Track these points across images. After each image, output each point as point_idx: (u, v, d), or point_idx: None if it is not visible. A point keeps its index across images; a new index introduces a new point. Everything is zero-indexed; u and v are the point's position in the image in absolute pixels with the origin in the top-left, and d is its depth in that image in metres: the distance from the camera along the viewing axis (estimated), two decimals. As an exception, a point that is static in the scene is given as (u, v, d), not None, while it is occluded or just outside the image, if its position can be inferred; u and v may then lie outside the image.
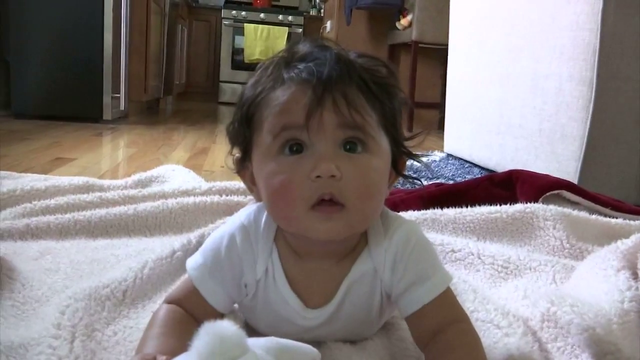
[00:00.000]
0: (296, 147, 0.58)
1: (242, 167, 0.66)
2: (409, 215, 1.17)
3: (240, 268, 0.64)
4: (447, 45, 2.76)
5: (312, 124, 0.56)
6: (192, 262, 0.67)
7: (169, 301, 0.67)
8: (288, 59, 0.60)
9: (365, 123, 0.58)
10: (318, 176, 0.56)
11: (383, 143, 0.61)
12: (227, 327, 0.45)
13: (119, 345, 0.68)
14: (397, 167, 0.65)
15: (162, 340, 0.61)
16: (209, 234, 0.89)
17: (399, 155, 0.65)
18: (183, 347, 0.52)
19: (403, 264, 0.63)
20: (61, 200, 1.19)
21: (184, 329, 0.61)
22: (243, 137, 0.63)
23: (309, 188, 0.56)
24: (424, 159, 2.31)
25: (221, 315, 0.67)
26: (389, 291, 0.65)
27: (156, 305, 0.74)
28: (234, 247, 0.64)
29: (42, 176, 1.60)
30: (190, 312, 0.65)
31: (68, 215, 1.11)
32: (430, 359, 0.61)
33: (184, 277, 0.69)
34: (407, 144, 0.66)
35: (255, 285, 0.65)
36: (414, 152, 0.67)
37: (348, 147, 0.58)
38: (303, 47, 0.61)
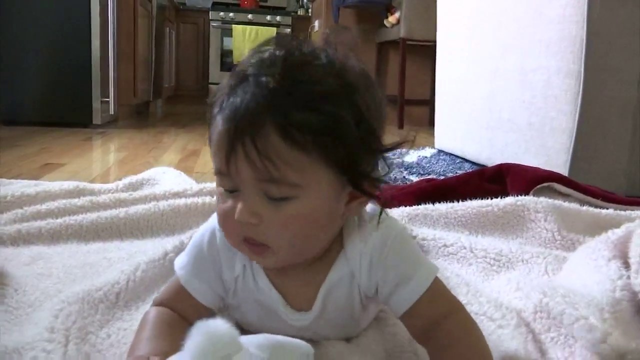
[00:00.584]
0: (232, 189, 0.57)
1: None
2: (401, 211, 1.17)
3: (220, 264, 0.65)
4: (435, 41, 2.77)
5: (231, 173, 0.55)
6: (179, 261, 0.67)
7: (157, 303, 0.67)
8: (231, 80, 0.56)
9: (283, 175, 0.53)
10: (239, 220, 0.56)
11: (321, 182, 0.55)
12: (219, 325, 0.45)
13: (113, 348, 0.68)
14: (363, 188, 0.58)
15: (153, 342, 0.61)
16: (200, 235, 0.89)
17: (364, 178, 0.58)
18: (174, 348, 0.52)
19: (381, 268, 0.62)
20: (52, 205, 1.19)
21: (174, 331, 0.61)
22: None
23: (235, 227, 0.57)
24: (416, 158, 2.32)
25: (212, 314, 0.67)
26: (368, 293, 0.64)
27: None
28: (214, 243, 0.64)
29: (33, 182, 1.59)
30: (180, 312, 0.65)
31: (59, 220, 1.11)
32: (432, 354, 0.61)
33: (172, 278, 0.69)
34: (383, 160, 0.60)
35: (234, 281, 0.65)
36: (371, 190, 0.58)
37: (272, 197, 0.54)
38: (246, 66, 0.56)
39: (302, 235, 0.57)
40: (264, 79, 0.53)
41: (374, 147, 0.57)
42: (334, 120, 0.53)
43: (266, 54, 0.55)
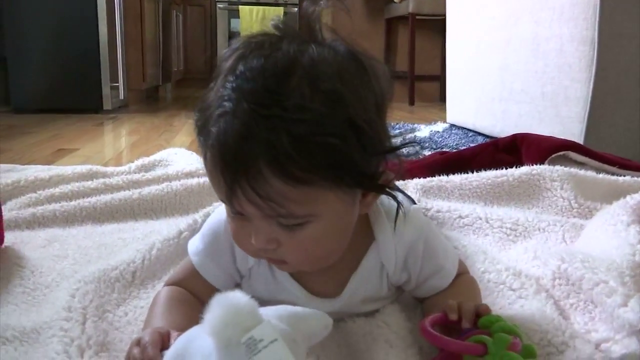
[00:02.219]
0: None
1: None
2: (415, 183, 1.16)
3: (234, 252, 0.64)
4: (445, 15, 2.73)
5: (237, 209, 0.52)
6: (193, 246, 0.67)
7: (170, 283, 0.67)
8: (218, 95, 0.51)
9: (290, 212, 0.50)
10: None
11: (331, 204, 0.52)
12: (239, 297, 0.44)
13: (130, 325, 0.69)
14: (375, 187, 0.56)
15: (167, 317, 0.61)
16: (214, 213, 0.89)
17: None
18: (188, 323, 0.52)
19: (417, 263, 0.64)
20: (66, 188, 1.19)
21: (188, 307, 0.62)
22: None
23: (252, 248, 0.55)
24: (428, 133, 2.30)
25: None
26: (395, 283, 0.66)
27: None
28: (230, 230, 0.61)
29: (46, 167, 1.60)
30: (193, 291, 0.65)
31: (73, 203, 1.12)
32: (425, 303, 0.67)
33: (184, 261, 0.68)
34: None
35: (248, 272, 0.65)
36: (384, 188, 0.56)
37: (284, 224, 0.52)
38: (224, 82, 0.51)
39: (321, 250, 0.55)
40: (244, 108, 0.48)
41: (379, 150, 0.53)
42: (329, 146, 0.48)
43: (242, 67, 0.50)
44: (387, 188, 0.56)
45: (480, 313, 0.58)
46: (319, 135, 0.47)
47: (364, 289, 0.64)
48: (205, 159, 0.52)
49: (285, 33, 0.53)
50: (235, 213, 0.53)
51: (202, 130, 0.52)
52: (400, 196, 0.64)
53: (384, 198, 0.62)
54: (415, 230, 0.63)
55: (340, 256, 0.59)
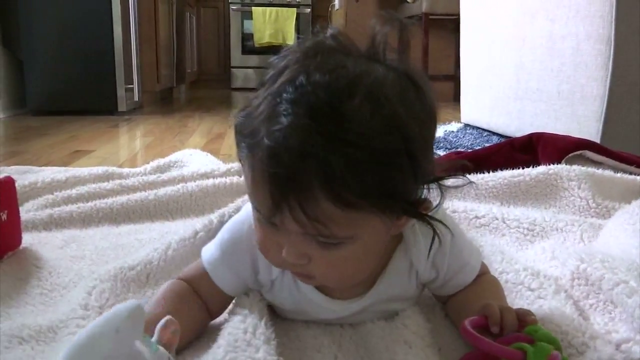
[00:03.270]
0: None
1: None
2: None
3: (256, 264, 0.63)
4: (459, 15, 2.72)
5: (276, 222, 0.51)
6: (208, 254, 0.65)
7: (179, 278, 0.67)
8: (272, 102, 0.48)
9: (334, 234, 0.49)
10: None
11: (373, 227, 0.51)
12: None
13: None
14: (413, 214, 0.54)
15: (162, 305, 0.61)
16: (229, 214, 0.89)
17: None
18: (178, 319, 0.54)
19: (446, 260, 0.64)
20: (82, 189, 1.20)
21: (185, 304, 0.62)
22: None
23: (281, 259, 0.54)
24: (442, 133, 2.29)
25: (228, 300, 0.66)
26: (425, 279, 0.66)
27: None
28: (254, 242, 0.60)
29: (62, 168, 1.61)
30: (199, 292, 0.65)
31: (90, 204, 1.12)
32: (451, 299, 0.68)
33: (197, 262, 0.68)
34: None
35: (270, 283, 0.64)
36: (423, 214, 0.54)
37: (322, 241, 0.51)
38: (282, 92, 0.48)
39: (351, 270, 0.55)
40: (301, 122, 0.46)
41: (426, 179, 0.52)
42: (385, 173, 0.47)
43: (303, 79, 0.48)
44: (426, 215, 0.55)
45: (526, 322, 0.57)
46: (376, 163, 0.47)
47: (392, 288, 0.63)
48: (248, 166, 0.50)
49: (345, 47, 0.52)
50: (269, 224, 0.52)
51: (247, 137, 0.50)
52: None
53: None
54: (444, 228, 0.62)
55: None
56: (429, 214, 0.55)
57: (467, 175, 1.14)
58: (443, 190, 0.55)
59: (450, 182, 0.56)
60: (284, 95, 0.48)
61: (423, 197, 0.54)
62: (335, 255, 0.52)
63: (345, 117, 0.46)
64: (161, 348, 0.52)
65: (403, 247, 0.63)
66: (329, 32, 0.53)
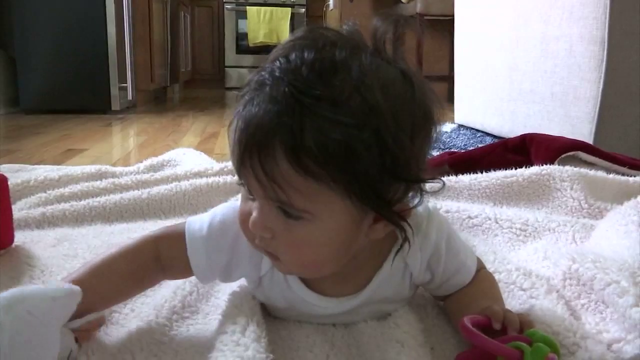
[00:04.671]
0: None
1: None
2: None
3: (240, 261, 0.63)
4: (453, 16, 2.73)
5: (244, 184, 0.53)
6: (196, 227, 0.63)
7: (150, 237, 0.65)
8: (256, 80, 0.51)
9: (289, 200, 0.49)
10: None
11: (335, 210, 0.51)
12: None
13: (135, 319, 0.67)
14: (388, 215, 0.53)
15: (96, 276, 0.62)
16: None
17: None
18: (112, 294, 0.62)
19: (440, 264, 0.64)
20: (75, 188, 1.19)
21: (133, 278, 0.64)
22: None
23: (251, 234, 0.55)
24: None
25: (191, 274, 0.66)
26: (419, 282, 0.66)
27: (173, 283, 0.74)
28: (241, 238, 0.60)
29: (55, 167, 1.60)
30: (164, 257, 0.64)
31: (83, 202, 1.12)
32: (449, 298, 0.68)
33: (181, 226, 0.66)
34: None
35: (258, 280, 0.64)
36: (396, 218, 0.53)
37: (283, 212, 0.52)
38: (271, 67, 0.51)
39: (314, 257, 0.54)
40: (281, 89, 0.48)
41: (403, 176, 0.51)
42: (349, 149, 0.47)
43: (293, 55, 0.50)
44: (402, 220, 0.54)
45: (524, 326, 0.58)
46: (344, 135, 0.47)
47: (385, 289, 0.63)
48: (230, 125, 0.52)
49: (344, 38, 0.52)
50: (246, 192, 0.54)
51: (239, 99, 0.52)
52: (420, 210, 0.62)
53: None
54: (437, 231, 0.63)
55: (347, 266, 0.59)
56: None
57: (460, 176, 1.17)
58: (422, 193, 0.55)
59: (428, 186, 0.55)
60: (275, 63, 0.50)
61: (399, 198, 0.53)
62: (296, 233, 0.52)
63: (321, 88, 0.47)
64: (68, 338, 0.55)
65: (398, 247, 0.62)
66: (345, 26, 0.54)
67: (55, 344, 0.52)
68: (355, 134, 0.47)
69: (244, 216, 0.55)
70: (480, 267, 0.69)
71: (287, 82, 0.48)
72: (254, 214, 0.53)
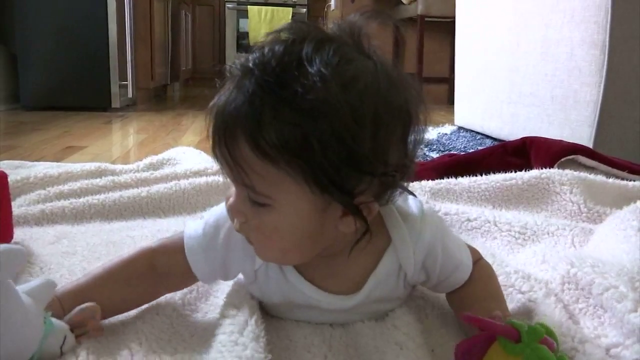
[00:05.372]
0: None
1: None
2: (423, 185, 1.16)
3: (235, 256, 0.64)
4: (454, 18, 2.73)
5: (218, 164, 0.55)
6: (192, 229, 0.66)
7: (149, 247, 0.67)
8: (231, 72, 0.54)
9: (254, 185, 0.52)
10: None
11: (293, 197, 0.52)
12: None
13: (137, 319, 0.68)
14: (353, 208, 0.54)
15: (98, 283, 0.64)
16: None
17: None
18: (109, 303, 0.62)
19: (436, 265, 0.64)
20: (74, 185, 1.20)
21: (128, 284, 0.65)
22: None
23: (232, 216, 0.58)
24: (436, 135, 2.29)
25: (193, 280, 0.67)
26: (412, 283, 0.66)
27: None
28: (235, 234, 0.61)
29: (55, 164, 1.60)
30: (161, 265, 0.66)
31: (82, 200, 1.12)
32: (451, 294, 0.69)
33: (176, 237, 0.68)
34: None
35: (253, 274, 0.64)
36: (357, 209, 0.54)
37: (251, 199, 0.54)
38: (245, 60, 0.53)
39: (280, 244, 0.56)
40: (247, 82, 0.51)
41: (363, 168, 0.51)
42: (305, 140, 0.49)
43: (266, 48, 0.52)
44: (365, 216, 0.54)
45: None
46: (300, 125, 0.49)
47: (380, 289, 0.63)
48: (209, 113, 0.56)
49: (316, 33, 0.53)
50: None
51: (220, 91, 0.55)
52: (411, 199, 0.65)
53: (398, 204, 0.63)
54: (432, 232, 0.63)
55: (350, 258, 0.59)
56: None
57: (460, 178, 1.17)
58: (386, 190, 0.56)
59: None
60: (249, 56, 0.53)
61: (361, 191, 0.53)
62: (263, 219, 0.54)
63: (283, 85, 0.49)
64: (58, 327, 0.57)
65: (392, 250, 0.63)
66: (331, 27, 0.56)
67: (22, 316, 0.53)
68: (311, 124, 0.49)
69: (227, 200, 0.58)
70: (478, 258, 0.70)
71: (255, 74, 0.51)
72: (231, 199, 0.56)
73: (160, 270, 0.66)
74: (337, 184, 0.51)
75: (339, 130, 0.49)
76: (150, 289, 0.68)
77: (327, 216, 0.54)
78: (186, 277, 0.67)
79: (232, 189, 0.57)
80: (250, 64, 0.52)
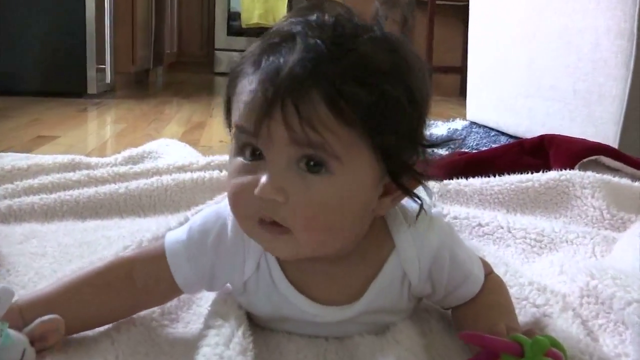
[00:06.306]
0: (259, 152, 0.55)
1: None
2: (430, 186, 1.16)
3: (223, 264, 0.64)
4: (467, 1, 2.73)
5: (261, 135, 0.53)
6: (175, 235, 0.66)
7: (126, 256, 0.68)
8: (272, 38, 0.55)
9: (324, 142, 0.52)
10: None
11: (360, 162, 0.54)
12: None
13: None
14: (402, 182, 0.58)
15: (63, 295, 0.63)
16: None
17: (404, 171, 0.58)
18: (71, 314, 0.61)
19: (444, 274, 0.64)
20: (45, 179, 1.20)
21: (99, 292, 0.64)
22: (226, 115, 0.62)
23: (253, 205, 0.55)
24: (445, 130, 2.30)
25: (175, 292, 0.67)
26: (417, 295, 0.67)
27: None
28: (224, 239, 0.63)
29: (24, 155, 1.60)
30: (139, 276, 0.65)
31: (54, 196, 1.12)
32: (457, 308, 0.69)
33: (153, 245, 0.69)
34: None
35: (242, 285, 0.65)
36: (409, 187, 0.58)
37: (311, 163, 0.54)
38: (290, 24, 0.55)
39: (329, 222, 0.55)
40: (312, 41, 0.52)
41: (418, 138, 0.56)
42: (385, 99, 0.52)
43: (313, 17, 0.54)
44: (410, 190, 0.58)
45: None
46: (377, 81, 0.52)
47: (382, 299, 0.64)
48: (240, 89, 0.56)
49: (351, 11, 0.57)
50: (250, 157, 0.55)
51: (249, 60, 0.56)
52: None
53: (403, 205, 0.64)
54: (439, 238, 0.63)
55: (351, 257, 0.61)
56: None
57: (471, 179, 1.17)
58: (428, 160, 0.59)
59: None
60: (287, 28, 0.55)
61: (412, 164, 0.57)
62: (314, 191, 0.53)
63: (353, 46, 0.53)
64: (17, 340, 0.56)
65: (396, 255, 0.63)
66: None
67: None
68: (388, 85, 0.53)
69: (242, 187, 0.55)
70: (489, 272, 0.70)
71: (316, 36, 0.52)
72: (264, 178, 0.53)
73: (138, 282, 0.65)
74: (400, 152, 0.55)
75: (414, 94, 0.55)
76: (124, 304, 0.67)
77: (375, 193, 0.57)
78: (168, 290, 0.66)
79: (248, 175, 0.55)
80: (301, 29, 0.53)
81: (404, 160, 0.56)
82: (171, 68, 5.79)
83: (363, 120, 0.52)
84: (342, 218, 0.56)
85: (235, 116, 0.56)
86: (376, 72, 0.53)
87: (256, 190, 0.53)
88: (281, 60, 0.52)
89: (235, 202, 0.57)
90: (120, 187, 1.17)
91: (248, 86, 0.54)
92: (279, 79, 0.51)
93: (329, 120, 0.51)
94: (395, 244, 0.63)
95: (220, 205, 0.66)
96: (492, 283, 0.69)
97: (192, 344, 0.62)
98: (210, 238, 0.63)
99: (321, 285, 0.63)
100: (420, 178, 0.58)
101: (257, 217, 0.56)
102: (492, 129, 2.43)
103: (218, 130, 2.29)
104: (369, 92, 0.52)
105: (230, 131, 0.59)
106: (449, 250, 0.64)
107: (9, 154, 1.62)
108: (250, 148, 0.55)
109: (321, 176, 0.53)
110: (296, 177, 0.53)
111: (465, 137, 2.24)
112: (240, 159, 0.57)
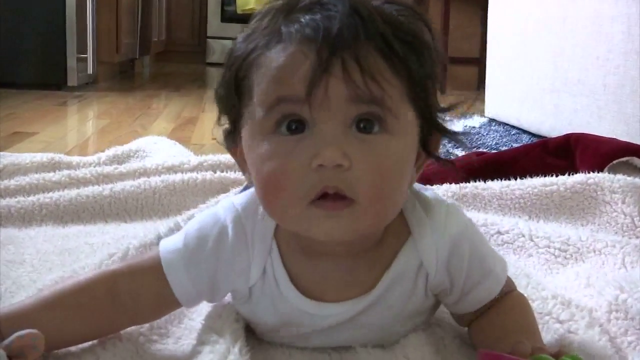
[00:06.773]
0: (296, 126, 0.56)
1: (232, 142, 0.64)
2: (445, 189, 1.17)
3: (226, 270, 0.64)
4: (487, -15, 2.74)
5: (315, 97, 0.54)
6: (170, 243, 0.66)
7: (110, 269, 0.68)
8: (290, 7, 0.57)
9: (384, 95, 0.55)
10: (321, 165, 0.54)
11: (408, 119, 0.58)
12: None
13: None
14: (427, 146, 0.62)
15: (43, 309, 0.63)
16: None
17: (430, 132, 0.62)
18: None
19: (463, 267, 0.65)
20: (23, 180, 1.20)
21: (77, 316, 0.64)
22: (231, 106, 0.62)
23: (309, 179, 0.55)
24: (462, 127, 2.30)
25: (173, 308, 0.68)
26: (435, 289, 0.67)
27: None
28: (224, 243, 0.63)
29: (-2, 153, 1.61)
30: (125, 292, 0.65)
31: (32, 198, 1.13)
32: (476, 326, 0.69)
33: (145, 256, 0.69)
34: (442, 115, 0.63)
35: (247, 292, 0.65)
36: (449, 129, 0.64)
37: (362, 125, 0.55)
38: None
39: (392, 185, 0.57)
40: (348, 2, 0.56)
41: (435, 103, 0.62)
42: (424, 55, 0.58)
43: None
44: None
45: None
46: (415, 40, 0.58)
47: (398, 291, 0.64)
48: (275, 55, 0.56)
49: None
50: (289, 130, 0.56)
51: (261, 35, 0.58)
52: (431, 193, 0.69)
53: (418, 191, 0.66)
54: (458, 225, 0.64)
55: (358, 258, 0.63)
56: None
57: (490, 181, 1.18)
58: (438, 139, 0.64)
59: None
60: None
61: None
62: (375, 149, 0.56)
63: (386, 9, 0.58)
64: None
65: (411, 244, 0.64)
66: None
67: None
68: (417, 34, 0.59)
69: (291, 165, 0.55)
70: (511, 289, 0.70)
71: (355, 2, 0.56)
72: (323, 148, 0.54)
73: (124, 297, 0.65)
74: (433, 110, 0.61)
75: (438, 53, 0.61)
76: (108, 321, 0.67)
77: (416, 152, 0.61)
78: (158, 306, 0.67)
79: (289, 154, 0.55)
80: None
81: (435, 116, 0.61)
82: (159, 57, 5.80)
83: (410, 77, 0.57)
84: (402, 180, 0.59)
85: (266, 92, 0.56)
86: (411, 33, 0.58)
87: (319, 159, 0.54)
88: (325, 18, 0.55)
89: (281, 184, 0.56)
90: (105, 189, 1.17)
91: (282, 53, 0.55)
92: (332, 35, 0.54)
93: (386, 72, 0.55)
94: (411, 231, 0.64)
95: (216, 208, 0.67)
96: (516, 300, 0.70)
97: (183, 360, 0.63)
98: (209, 244, 0.63)
99: (330, 284, 0.64)
100: (450, 136, 0.64)
101: (312, 194, 0.55)
102: (513, 127, 2.43)
103: (210, 127, 2.28)
104: (410, 48, 0.57)
105: (232, 124, 0.63)
106: (469, 241, 0.65)
107: (-18, 152, 1.63)
108: (288, 120, 0.56)
109: (379, 135, 0.56)
110: (356, 140, 0.55)
111: (483, 135, 2.24)
112: (274, 137, 0.56)
